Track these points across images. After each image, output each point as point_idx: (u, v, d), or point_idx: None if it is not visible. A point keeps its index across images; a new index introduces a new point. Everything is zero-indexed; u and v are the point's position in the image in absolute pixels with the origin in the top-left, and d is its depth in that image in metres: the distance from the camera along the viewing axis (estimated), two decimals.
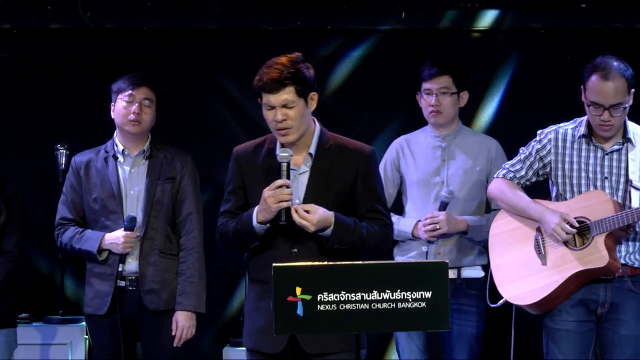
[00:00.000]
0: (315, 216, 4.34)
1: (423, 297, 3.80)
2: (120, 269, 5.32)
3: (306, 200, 4.42)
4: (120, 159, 5.45)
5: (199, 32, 6.80)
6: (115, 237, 5.32)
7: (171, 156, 5.50)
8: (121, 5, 6.68)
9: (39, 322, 6.45)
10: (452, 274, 5.40)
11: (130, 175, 5.44)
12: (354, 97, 6.71)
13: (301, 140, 4.46)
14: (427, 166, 5.61)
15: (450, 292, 5.32)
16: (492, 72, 6.79)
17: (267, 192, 4.34)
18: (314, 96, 4.45)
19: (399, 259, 5.63)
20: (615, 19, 6.72)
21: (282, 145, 4.47)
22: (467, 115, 6.64)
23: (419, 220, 5.51)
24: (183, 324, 5.38)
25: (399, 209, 5.77)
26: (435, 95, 5.57)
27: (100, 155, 5.48)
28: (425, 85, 5.60)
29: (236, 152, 4.59)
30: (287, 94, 4.38)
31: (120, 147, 5.46)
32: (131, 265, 5.38)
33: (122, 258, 5.32)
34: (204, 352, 6.75)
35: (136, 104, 5.39)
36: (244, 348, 6.24)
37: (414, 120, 6.56)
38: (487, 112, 6.80)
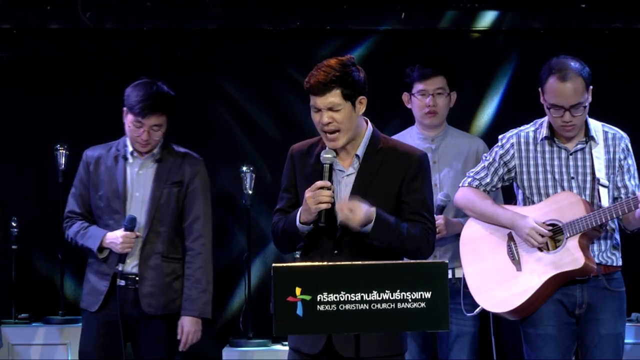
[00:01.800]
0: (361, 210, 4.25)
1: (423, 297, 3.80)
2: (120, 269, 5.32)
3: None
4: (130, 160, 5.46)
5: (199, 32, 6.80)
6: (115, 237, 5.33)
7: (181, 160, 5.50)
8: (121, 5, 6.68)
9: (38, 322, 6.46)
10: (449, 274, 5.40)
11: (138, 177, 5.45)
12: None
13: (350, 142, 4.41)
14: None
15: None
16: (491, 73, 6.79)
17: (308, 192, 4.30)
18: (362, 100, 4.39)
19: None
20: (615, 19, 6.71)
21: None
22: (466, 116, 6.65)
23: None
24: (189, 329, 5.39)
25: None
26: (431, 95, 5.57)
27: (111, 153, 5.49)
28: (419, 86, 5.58)
29: (292, 150, 4.55)
30: (334, 97, 4.33)
31: (130, 149, 5.47)
32: (131, 266, 5.39)
33: (122, 258, 5.33)
34: (203, 352, 6.75)
35: (144, 131, 5.38)
36: (244, 348, 6.32)
37: (413, 121, 6.56)
38: (486, 113, 6.80)
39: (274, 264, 3.83)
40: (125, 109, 5.43)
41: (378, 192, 4.36)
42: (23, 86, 6.80)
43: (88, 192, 5.48)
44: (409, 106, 5.68)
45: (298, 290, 3.78)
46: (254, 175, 6.37)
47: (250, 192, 6.33)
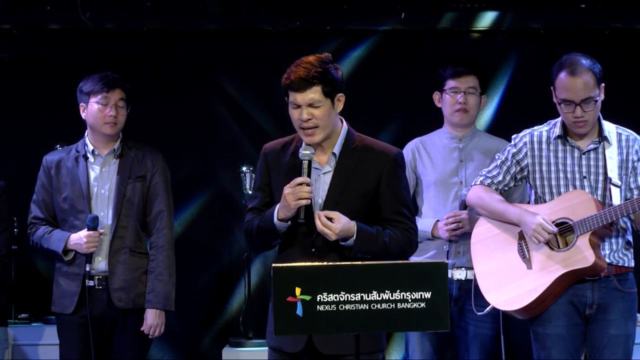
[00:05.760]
0: (339, 225, 4.29)
1: (422, 297, 3.80)
2: (87, 269, 5.34)
3: (328, 199, 4.40)
4: (91, 159, 5.48)
5: (199, 32, 6.80)
6: (79, 238, 5.35)
7: (142, 155, 5.52)
8: (121, 6, 6.68)
9: (38, 322, 6.47)
10: (470, 274, 5.39)
11: (101, 175, 5.47)
12: (353, 97, 6.68)
13: (327, 140, 4.44)
14: (445, 167, 5.59)
15: (467, 293, 5.32)
16: (491, 73, 6.78)
17: (287, 189, 4.32)
18: (340, 97, 4.42)
19: (414, 259, 5.62)
20: (615, 19, 6.72)
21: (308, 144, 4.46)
22: None
23: (438, 220, 5.50)
24: (152, 321, 5.40)
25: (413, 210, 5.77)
26: (463, 93, 5.56)
27: (71, 155, 5.51)
28: (451, 84, 5.56)
29: (265, 149, 4.57)
30: (314, 93, 4.35)
31: (91, 147, 5.49)
32: (100, 264, 5.41)
33: (89, 258, 5.35)
34: (203, 352, 6.76)
35: (111, 107, 5.42)
36: (243, 348, 6.32)
37: (414, 121, 6.56)
38: (486, 113, 6.80)
39: (273, 264, 3.83)
40: (84, 102, 5.46)
41: (355, 190, 4.39)
42: (23, 86, 6.80)
43: (51, 197, 5.50)
44: (439, 105, 5.67)
45: (298, 291, 3.78)
46: (254, 176, 6.36)
47: (250, 192, 6.33)
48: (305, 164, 4.36)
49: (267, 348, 6.37)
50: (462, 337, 5.55)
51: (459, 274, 5.47)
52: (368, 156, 4.45)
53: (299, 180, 4.32)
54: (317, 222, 4.30)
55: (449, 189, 5.55)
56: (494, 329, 5.49)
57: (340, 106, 4.43)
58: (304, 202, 4.31)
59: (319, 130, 4.38)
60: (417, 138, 5.73)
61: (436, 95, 5.65)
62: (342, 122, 4.51)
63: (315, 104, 4.36)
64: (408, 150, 5.70)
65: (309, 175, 4.35)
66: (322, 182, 4.43)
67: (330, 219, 4.30)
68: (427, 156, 5.64)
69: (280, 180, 4.43)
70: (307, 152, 4.37)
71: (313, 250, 4.37)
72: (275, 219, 4.36)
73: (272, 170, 4.51)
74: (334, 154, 4.44)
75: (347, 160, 4.43)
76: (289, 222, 4.36)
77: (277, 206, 4.37)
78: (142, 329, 5.39)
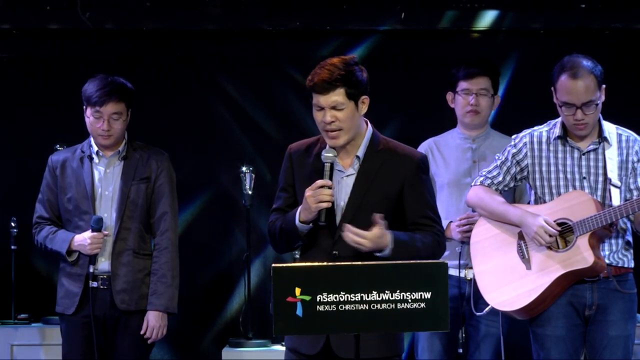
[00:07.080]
0: (368, 237, 4.26)
1: (422, 297, 3.79)
2: (91, 270, 5.34)
3: (350, 202, 4.38)
4: (96, 159, 5.48)
5: (198, 32, 6.80)
6: (83, 239, 5.35)
7: (147, 156, 5.51)
8: (121, 6, 6.68)
9: (38, 323, 6.46)
10: None
11: (106, 176, 5.47)
12: None
13: (351, 142, 4.42)
14: (458, 167, 5.60)
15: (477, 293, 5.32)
16: None
17: (308, 191, 4.31)
18: (365, 99, 4.39)
19: None
20: (615, 19, 6.71)
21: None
22: None
23: (451, 221, 5.50)
24: (154, 324, 5.40)
25: None
26: (474, 95, 5.57)
27: (76, 155, 5.50)
28: (464, 85, 5.57)
29: (290, 149, 4.56)
30: (337, 96, 4.33)
31: (95, 148, 5.48)
32: (103, 265, 5.41)
33: (93, 259, 5.35)
34: (203, 352, 6.75)
35: (104, 121, 5.40)
36: (243, 348, 6.32)
37: (414, 121, 6.56)
38: None
39: (273, 264, 3.83)
40: (84, 105, 5.46)
41: (377, 193, 4.36)
42: (23, 86, 6.80)
43: (55, 196, 5.50)
44: (452, 105, 5.67)
45: (298, 291, 3.78)
46: (253, 176, 6.37)
47: (250, 192, 6.33)
48: (327, 166, 4.35)
49: (267, 348, 6.42)
50: (473, 335, 5.56)
51: (472, 274, 5.48)
52: (392, 159, 4.42)
53: (320, 182, 4.31)
54: (347, 238, 4.27)
55: (462, 189, 5.54)
56: (505, 329, 5.49)
57: (364, 108, 4.41)
58: (324, 205, 4.29)
59: (343, 133, 4.37)
60: (430, 138, 5.74)
61: (449, 96, 5.66)
62: (367, 124, 4.49)
63: (338, 107, 4.34)
64: (421, 151, 5.70)
65: (331, 178, 4.34)
66: (344, 184, 4.42)
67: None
68: (441, 157, 5.65)
69: (303, 181, 4.41)
70: (330, 154, 4.36)
71: (334, 252, 4.36)
72: (297, 221, 4.35)
73: (296, 171, 4.49)
74: (357, 156, 4.43)
75: (370, 164, 4.41)
76: (311, 224, 4.36)
77: (299, 208, 4.36)
78: (142, 331, 5.38)
